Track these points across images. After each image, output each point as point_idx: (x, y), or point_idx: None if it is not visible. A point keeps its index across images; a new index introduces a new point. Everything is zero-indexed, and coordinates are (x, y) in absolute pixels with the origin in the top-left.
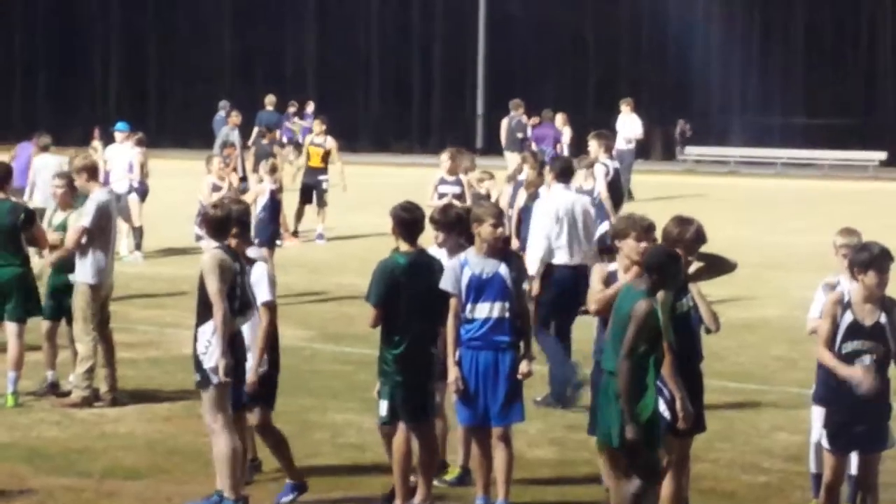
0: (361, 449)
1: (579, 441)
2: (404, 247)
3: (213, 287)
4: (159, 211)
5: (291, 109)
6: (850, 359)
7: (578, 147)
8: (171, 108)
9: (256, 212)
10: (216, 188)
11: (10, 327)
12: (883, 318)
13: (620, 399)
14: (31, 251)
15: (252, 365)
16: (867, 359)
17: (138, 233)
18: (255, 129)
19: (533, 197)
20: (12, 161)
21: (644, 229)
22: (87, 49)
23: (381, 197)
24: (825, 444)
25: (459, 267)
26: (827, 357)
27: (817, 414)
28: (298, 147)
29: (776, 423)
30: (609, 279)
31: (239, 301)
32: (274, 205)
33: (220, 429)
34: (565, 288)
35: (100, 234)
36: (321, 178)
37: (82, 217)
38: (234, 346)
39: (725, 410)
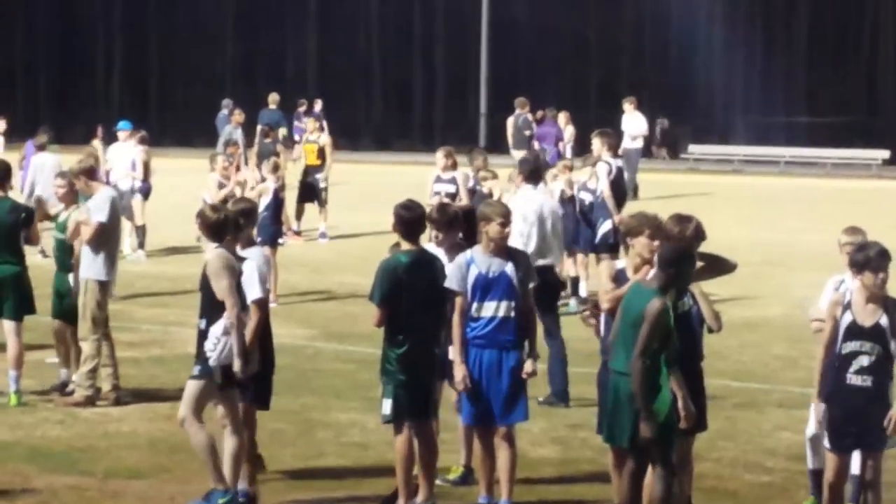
0: (365, 448)
1: (582, 440)
2: (405, 245)
3: (223, 285)
4: (162, 210)
5: (301, 108)
6: (849, 359)
7: (581, 146)
8: (173, 107)
9: (260, 211)
10: (221, 186)
11: (8, 326)
12: (884, 320)
13: (635, 398)
14: (33, 249)
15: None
16: (865, 360)
17: (141, 231)
18: (259, 128)
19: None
20: (22, 161)
21: (657, 227)
22: (89, 49)
23: (384, 195)
24: (826, 443)
25: (466, 265)
26: (818, 359)
27: (813, 409)
28: None
29: (779, 423)
30: (618, 277)
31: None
32: (277, 204)
33: (194, 421)
34: (537, 288)
35: (111, 231)
36: (318, 176)
37: (97, 213)
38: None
39: (728, 409)
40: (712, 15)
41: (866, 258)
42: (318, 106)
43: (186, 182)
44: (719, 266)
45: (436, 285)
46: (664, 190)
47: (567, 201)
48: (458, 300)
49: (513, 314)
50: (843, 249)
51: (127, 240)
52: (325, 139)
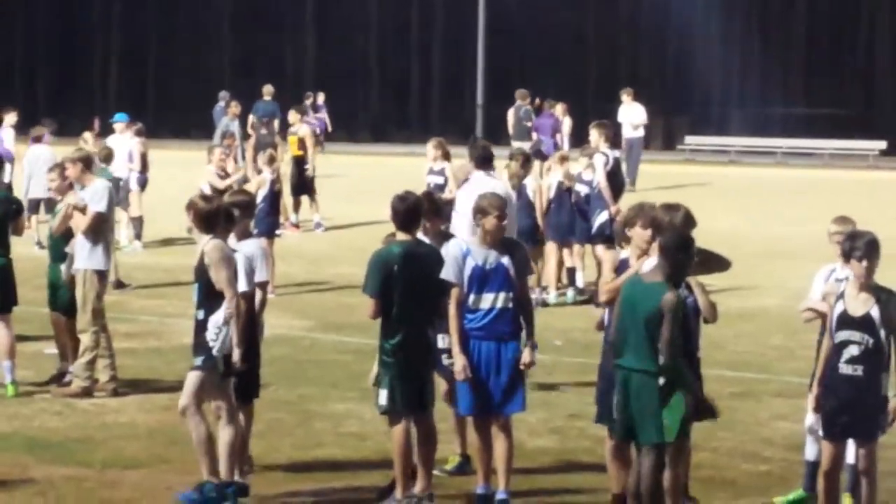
0: (362, 438)
1: (580, 430)
2: (401, 235)
3: (223, 276)
4: (159, 201)
5: (307, 102)
6: (840, 349)
7: (579, 137)
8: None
9: (257, 202)
10: (219, 178)
11: None
12: (875, 310)
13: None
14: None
15: (238, 354)
16: (855, 349)
17: (138, 223)
18: (250, 118)
19: (516, 188)
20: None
21: (651, 218)
22: (88, 48)
23: (381, 187)
24: (820, 432)
25: (462, 257)
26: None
27: (811, 399)
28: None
29: (776, 412)
30: (621, 267)
31: None
32: (273, 195)
33: (196, 412)
34: None
35: (107, 221)
36: (305, 167)
37: (95, 203)
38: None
39: (725, 399)
40: (710, 5)
41: (852, 247)
42: (321, 99)
43: (183, 174)
44: (712, 264)
45: (431, 276)
46: (661, 181)
47: (565, 192)
48: (455, 291)
49: (510, 305)
50: (832, 239)
51: (123, 231)
52: (304, 130)
